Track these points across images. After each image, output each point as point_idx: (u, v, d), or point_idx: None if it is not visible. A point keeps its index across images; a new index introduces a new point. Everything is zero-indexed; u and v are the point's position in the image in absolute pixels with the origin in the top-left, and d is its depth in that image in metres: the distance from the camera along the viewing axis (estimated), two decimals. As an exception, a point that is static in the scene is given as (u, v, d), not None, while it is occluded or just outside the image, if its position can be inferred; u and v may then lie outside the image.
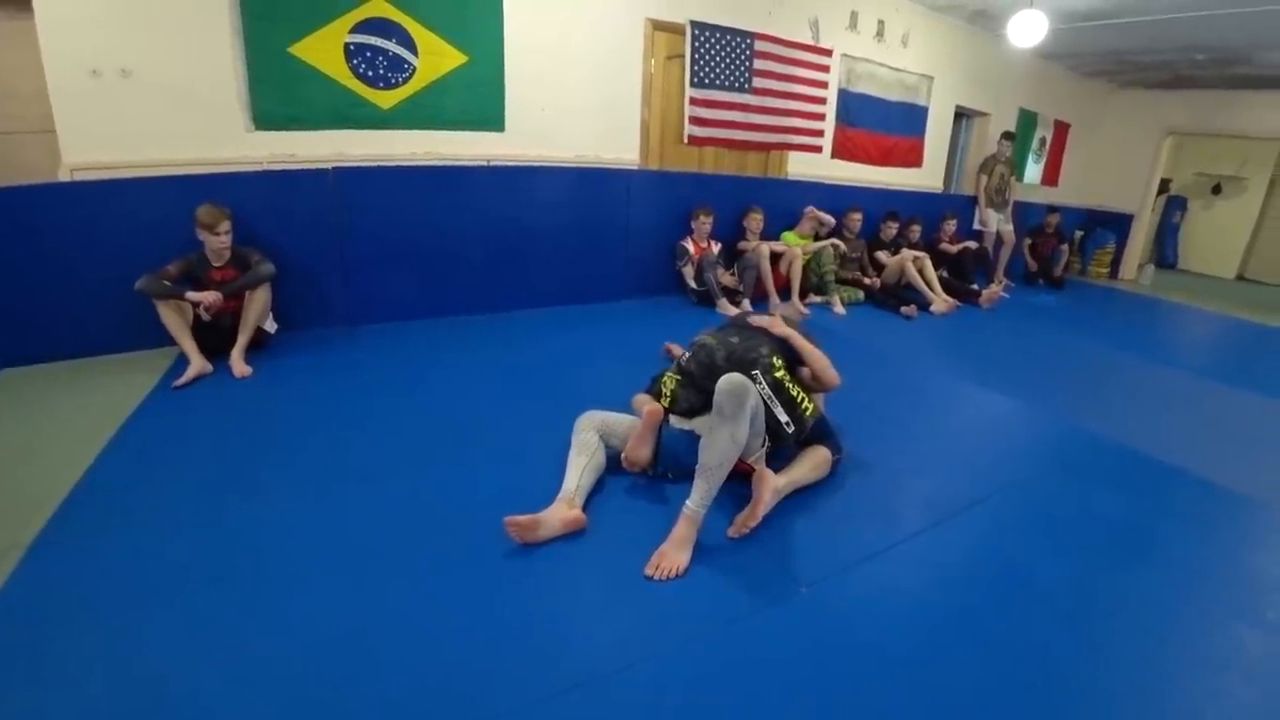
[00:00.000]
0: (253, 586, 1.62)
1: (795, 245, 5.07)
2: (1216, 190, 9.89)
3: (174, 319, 2.90)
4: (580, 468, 2.06)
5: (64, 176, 3.13)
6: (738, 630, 1.58)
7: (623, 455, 2.18)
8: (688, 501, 1.86)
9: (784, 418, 2.12)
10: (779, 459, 2.22)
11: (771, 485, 2.01)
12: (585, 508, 1.98)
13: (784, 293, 4.93)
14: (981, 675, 1.50)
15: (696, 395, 2.20)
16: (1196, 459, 2.80)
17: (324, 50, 3.50)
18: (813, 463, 2.27)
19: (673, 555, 1.78)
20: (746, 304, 4.71)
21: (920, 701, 1.41)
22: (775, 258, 4.94)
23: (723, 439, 1.87)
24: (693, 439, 2.11)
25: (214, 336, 3.03)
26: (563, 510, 1.90)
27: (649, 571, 1.75)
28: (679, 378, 2.27)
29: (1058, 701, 1.45)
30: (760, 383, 2.10)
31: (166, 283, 2.88)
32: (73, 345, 3.08)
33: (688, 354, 2.32)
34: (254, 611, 1.54)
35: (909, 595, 1.77)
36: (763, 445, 2.11)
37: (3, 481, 2.06)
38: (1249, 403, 3.80)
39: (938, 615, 1.70)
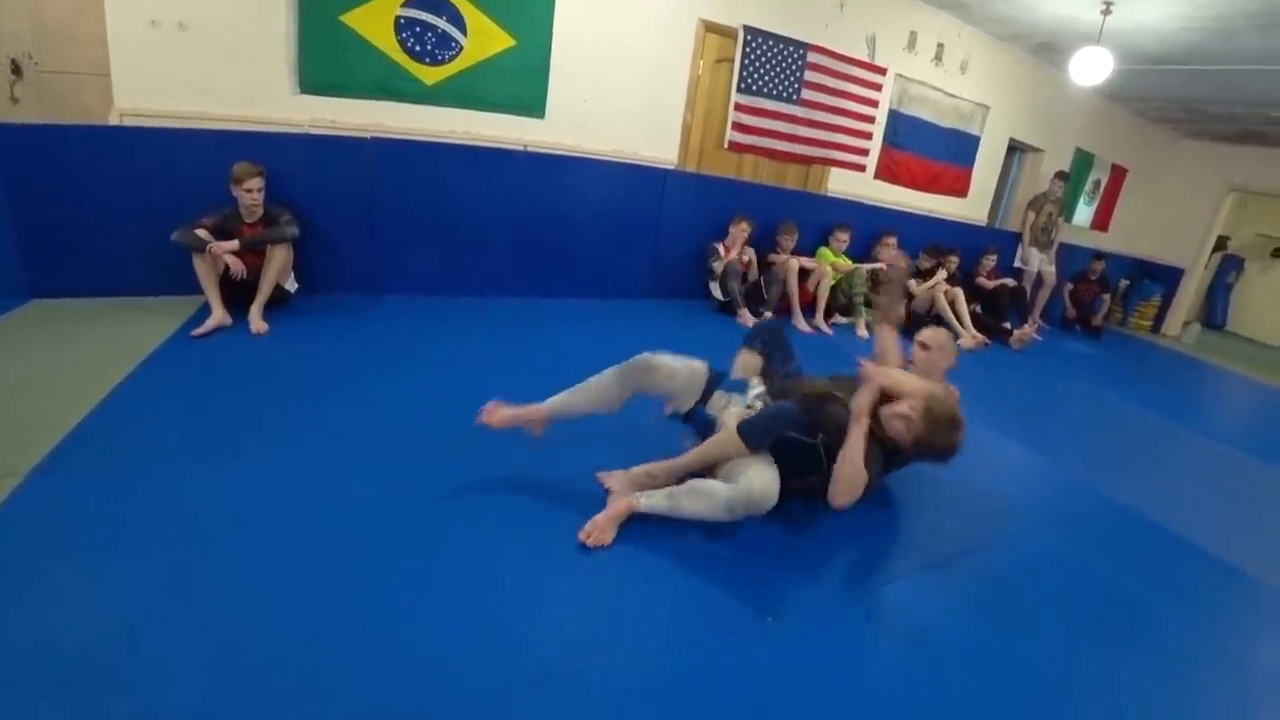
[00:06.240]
0: (224, 539, 1.65)
1: (828, 263, 5.00)
2: (1277, 253, 9.53)
3: (204, 269, 2.96)
4: (574, 393, 2.16)
5: (114, 120, 3.22)
6: (699, 650, 1.56)
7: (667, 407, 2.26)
8: (643, 497, 1.91)
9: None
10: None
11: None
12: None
13: (808, 309, 4.87)
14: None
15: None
16: (1213, 536, 2.66)
17: (375, 21, 3.54)
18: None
19: (603, 529, 1.84)
20: (768, 315, 4.67)
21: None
22: (804, 273, 4.89)
23: (716, 502, 1.87)
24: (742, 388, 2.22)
25: (240, 290, 3.09)
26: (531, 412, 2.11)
27: (582, 537, 1.82)
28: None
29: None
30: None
31: (199, 233, 2.96)
32: (103, 284, 3.17)
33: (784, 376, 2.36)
34: (220, 564, 1.56)
35: (872, 644, 1.72)
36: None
37: (13, 408, 2.12)
38: (1281, 480, 3.63)
39: (902, 667, 1.64)
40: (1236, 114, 6.68)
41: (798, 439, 2.03)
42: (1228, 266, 9.67)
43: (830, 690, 1.52)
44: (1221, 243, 8.99)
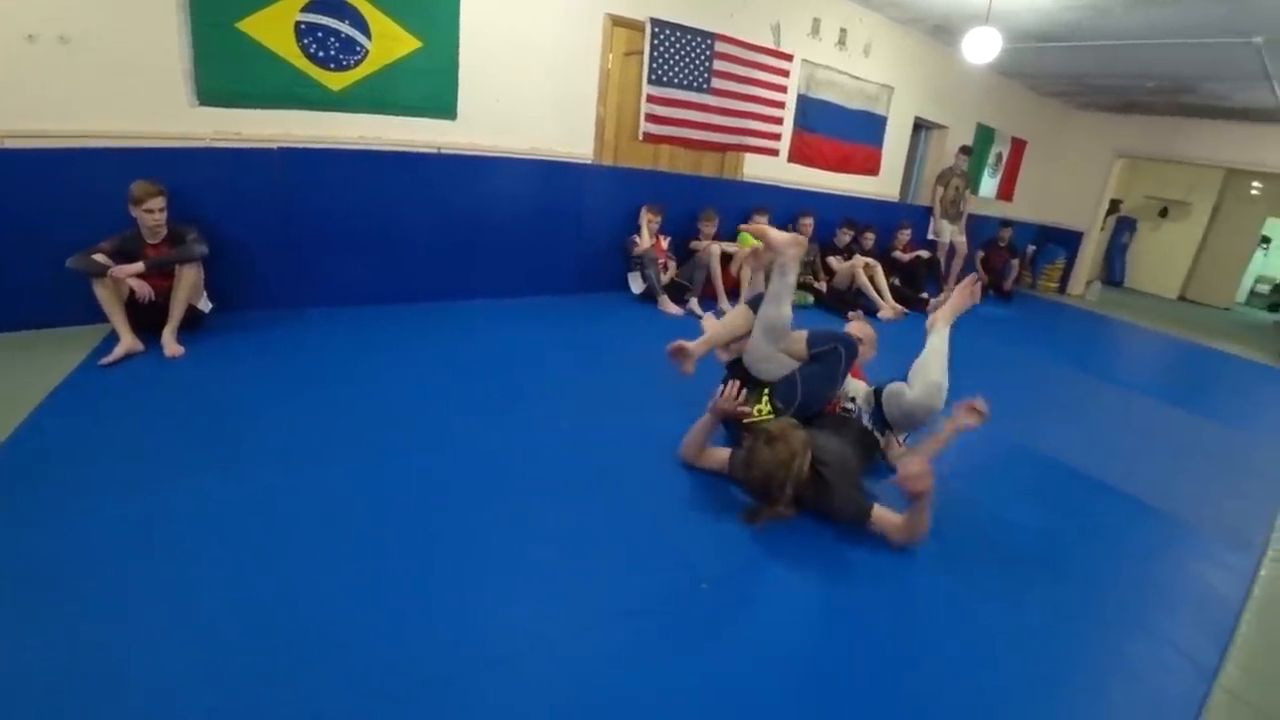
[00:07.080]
0: (158, 571, 1.63)
1: (749, 247, 5.13)
2: (1164, 213, 10.26)
3: (107, 295, 2.85)
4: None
5: (-5, 143, 3.06)
6: (639, 622, 1.65)
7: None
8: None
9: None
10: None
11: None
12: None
13: (733, 293, 5.01)
14: (870, 678, 1.57)
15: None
16: (1117, 471, 2.96)
17: (274, 28, 3.46)
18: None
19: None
20: (694, 304, 4.79)
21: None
22: (726, 258, 5.02)
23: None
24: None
25: (149, 314, 2.99)
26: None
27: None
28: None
29: (946, 701, 1.54)
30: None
31: (97, 257, 2.84)
32: (-1, 318, 3.02)
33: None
34: (157, 596, 1.55)
35: (807, 595, 1.85)
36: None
37: (-95, 453, 2.03)
38: (1177, 419, 4.00)
39: (832, 609, 1.79)
40: (1118, 86, 7.17)
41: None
42: (1122, 227, 10.37)
43: (764, 638, 1.66)
44: (1115, 206, 9.64)
